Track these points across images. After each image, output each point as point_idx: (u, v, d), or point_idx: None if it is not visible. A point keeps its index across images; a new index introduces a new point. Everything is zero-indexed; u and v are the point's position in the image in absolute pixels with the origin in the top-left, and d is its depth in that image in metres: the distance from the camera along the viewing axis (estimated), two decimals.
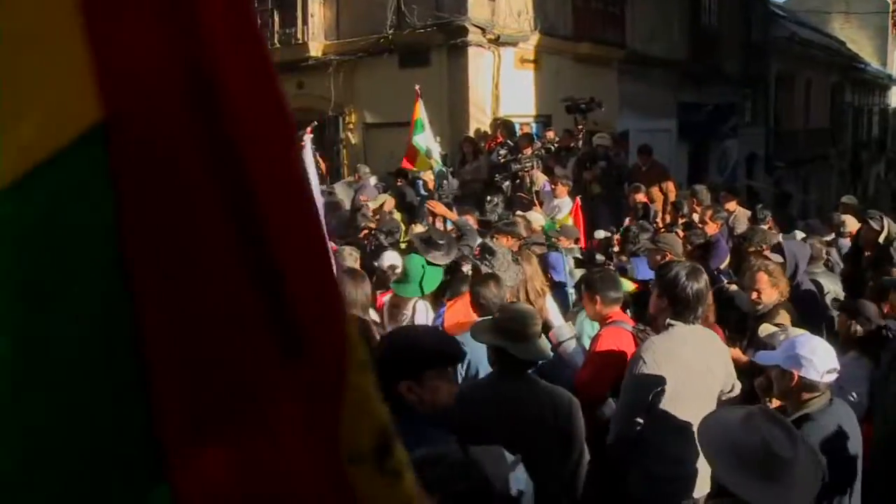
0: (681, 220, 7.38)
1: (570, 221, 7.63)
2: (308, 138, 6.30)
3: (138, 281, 0.73)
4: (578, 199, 8.25)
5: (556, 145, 11.15)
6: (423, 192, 10.34)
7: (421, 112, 10.43)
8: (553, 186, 9.01)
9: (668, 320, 3.57)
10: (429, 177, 10.26)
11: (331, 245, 7.17)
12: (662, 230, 6.84)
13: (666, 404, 3.38)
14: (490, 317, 3.66)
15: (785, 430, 2.60)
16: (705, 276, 3.70)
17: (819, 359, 3.19)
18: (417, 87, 10.67)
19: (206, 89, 0.69)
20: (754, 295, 4.67)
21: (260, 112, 0.76)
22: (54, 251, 0.70)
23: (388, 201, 9.70)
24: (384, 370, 2.40)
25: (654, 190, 9.82)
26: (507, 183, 10.20)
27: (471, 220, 7.62)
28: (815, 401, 3.21)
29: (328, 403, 0.80)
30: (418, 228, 7.45)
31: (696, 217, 7.80)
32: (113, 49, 0.67)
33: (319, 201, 6.22)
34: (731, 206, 9.23)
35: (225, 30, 0.70)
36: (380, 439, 0.84)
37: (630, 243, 6.09)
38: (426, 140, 10.33)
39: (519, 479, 2.37)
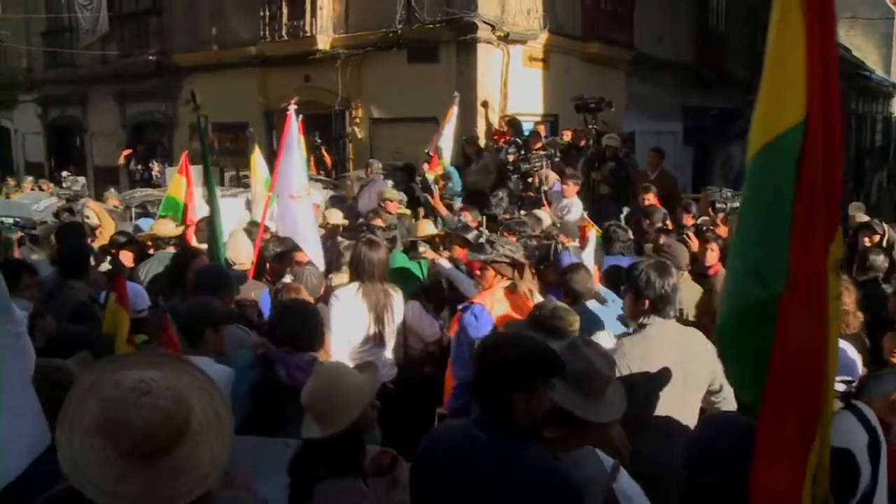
0: (691, 223, 7.31)
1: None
2: (293, 108, 6.21)
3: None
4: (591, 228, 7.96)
5: (565, 145, 11.11)
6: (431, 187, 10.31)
7: (452, 118, 10.66)
8: (563, 186, 8.95)
9: (641, 319, 3.61)
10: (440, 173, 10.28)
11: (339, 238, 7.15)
12: (670, 233, 6.77)
13: (640, 406, 3.35)
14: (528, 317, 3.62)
15: (602, 354, 2.91)
16: (674, 271, 3.79)
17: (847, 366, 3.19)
18: (456, 94, 10.92)
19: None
20: None
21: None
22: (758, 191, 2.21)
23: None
24: (495, 379, 2.39)
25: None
26: (515, 177, 10.15)
27: (468, 217, 7.62)
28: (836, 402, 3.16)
29: None
30: (424, 226, 7.41)
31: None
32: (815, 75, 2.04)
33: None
34: None
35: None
36: None
37: (613, 242, 6.02)
38: (445, 141, 10.45)
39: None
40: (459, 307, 4.44)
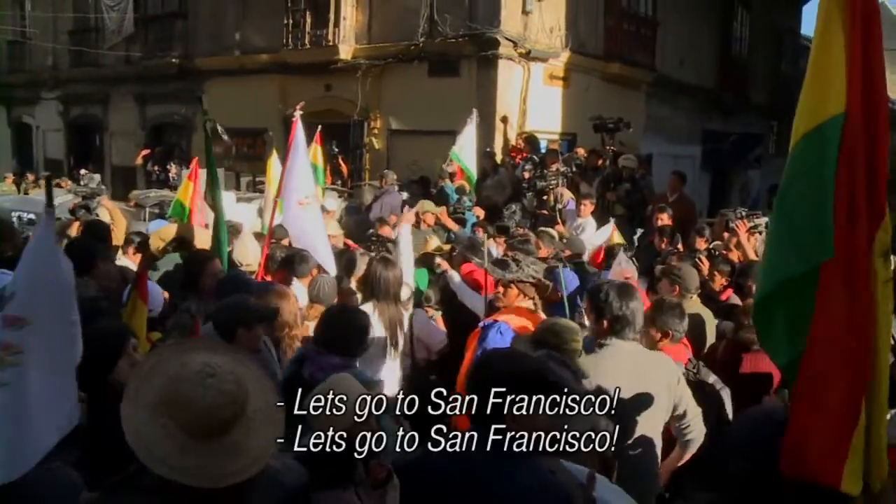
0: (704, 246, 7.23)
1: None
2: (298, 114, 6.18)
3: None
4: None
5: (583, 162, 11.06)
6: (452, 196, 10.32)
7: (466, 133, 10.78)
8: (580, 206, 8.90)
9: (600, 340, 3.59)
10: (455, 167, 10.31)
11: (351, 244, 7.13)
12: (683, 256, 6.69)
13: None
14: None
15: (571, 370, 2.97)
16: (637, 293, 3.76)
17: None
18: (475, 111, 10.95)
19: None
20: None
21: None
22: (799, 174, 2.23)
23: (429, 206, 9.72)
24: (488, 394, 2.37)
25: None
26: (530, 194, 10.12)
27: (481, 233, 7.60)
28: None
29: None
30: (430, 240, 7.38)
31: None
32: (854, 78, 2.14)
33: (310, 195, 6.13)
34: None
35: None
36: None
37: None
38: (467, 155, 10.49)
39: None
40: (481, 324, 4.39)
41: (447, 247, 7.03)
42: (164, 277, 5.83)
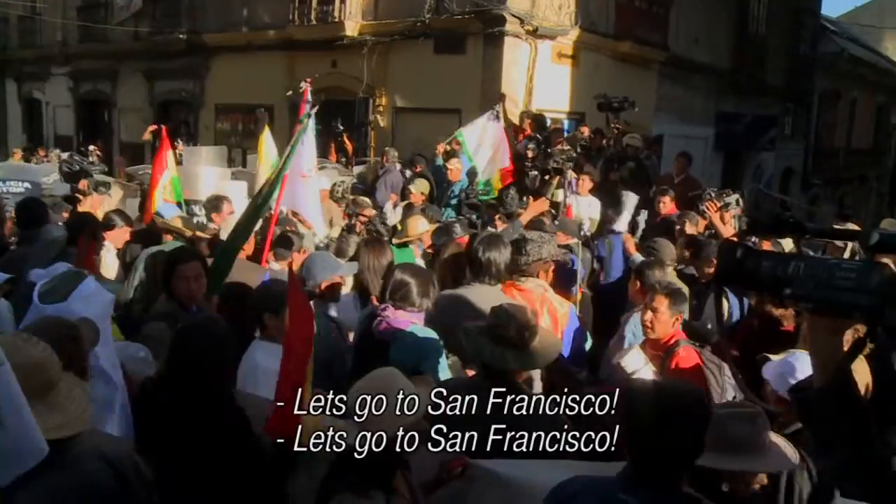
0: (694, 231, 7.04)
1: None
2: (308, 88, 6.16)
3: None
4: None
5: (588, 143, 10.85)
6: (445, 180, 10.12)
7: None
8: (578, 181, 8.70)
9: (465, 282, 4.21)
10: (454, 165, 9.99)
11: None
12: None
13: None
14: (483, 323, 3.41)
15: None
16: (505, 245, 4.32)
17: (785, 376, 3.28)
18: (498, 107, 10.38)
19: None
20: None
21: None
22: None
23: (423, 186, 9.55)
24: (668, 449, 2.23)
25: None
26: (533, 173, 9.92)
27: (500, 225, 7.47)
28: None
29: None
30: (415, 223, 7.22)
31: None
32: None
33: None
34: None
35: None
36: None
37: None
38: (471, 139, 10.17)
39: None
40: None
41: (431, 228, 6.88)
42: None
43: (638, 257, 6.01)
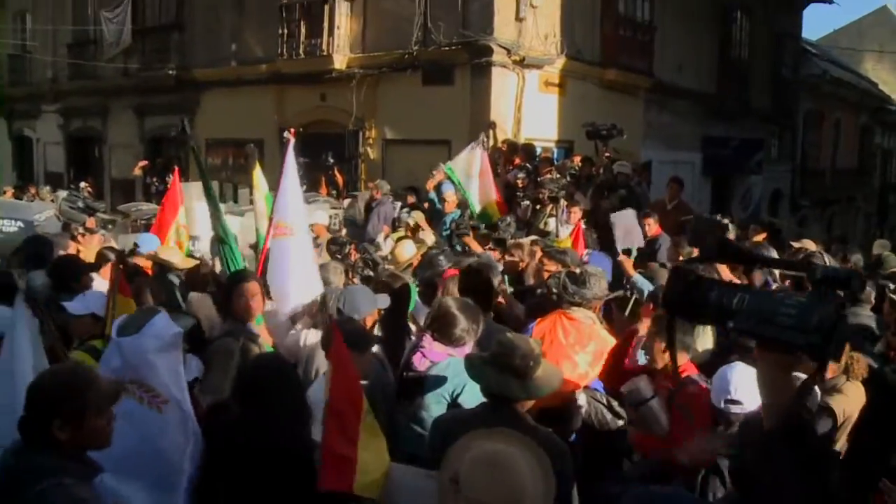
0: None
1: (569, 243, 7.46)
2: (291, 140, 5.97)
3: None
4: (581, 222, 8.07)
5: (577, 171, 10.95)
6: (438, 206, 10.17)
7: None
8: (569, 211, 8.80)
9: None
10: (450, 197, 10.05)
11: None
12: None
13: None
14: (486, 352, 3.44)
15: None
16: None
17: (725, 388, 3.55)
18: (483, 137, 10.77)
19: None
20: None
21: None
22: None
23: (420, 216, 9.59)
24: None
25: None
26: (525, 203, 10.01)
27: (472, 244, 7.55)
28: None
29: None
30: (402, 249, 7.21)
31: None
32: None
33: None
34: (760, 239, 8.95)
35: None
36: None
37: None
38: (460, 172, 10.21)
39: None
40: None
41: (417, 255, 6.92)
42: None
43: (639, 279, 5.96)
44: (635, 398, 4.00)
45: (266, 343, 4.46)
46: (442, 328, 3.90)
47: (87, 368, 2.66)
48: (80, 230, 8.26)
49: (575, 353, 4.36)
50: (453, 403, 3.68)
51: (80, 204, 11.21)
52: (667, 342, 2.85)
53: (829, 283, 1.60)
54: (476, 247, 7.93)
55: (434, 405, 3.72)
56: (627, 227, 7.31)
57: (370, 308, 4.45)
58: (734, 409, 3.50)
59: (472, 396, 3.55)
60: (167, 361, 2.89)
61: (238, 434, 2.99)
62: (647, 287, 5.64)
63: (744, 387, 3.46)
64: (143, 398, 2.85)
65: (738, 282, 5.32)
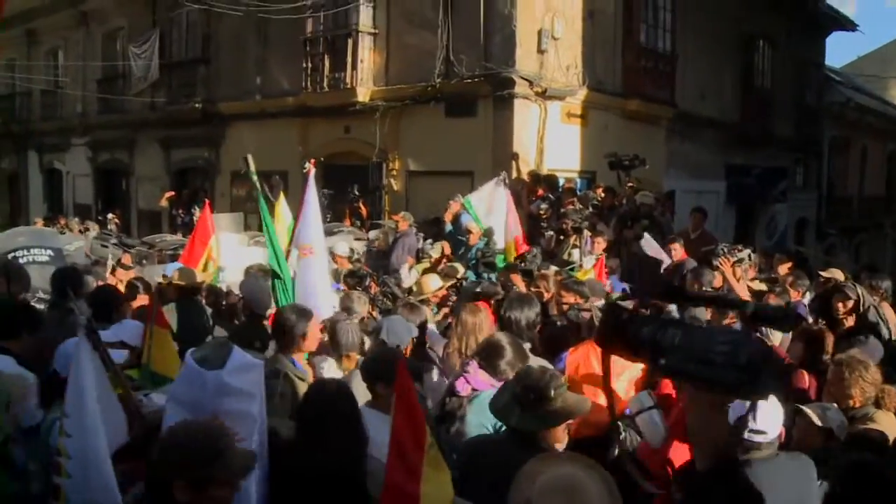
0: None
1: (592, 275, 7.43)
2: (312, 171, 6.25)
3: None
4: (602, 256, 8.07)
5: (599, 203, 10.95)
6: (461, 237, 10.20)
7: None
8: (593, 242, 8.79)
9: None
10: (474, 228, 10.08)
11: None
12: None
13: None
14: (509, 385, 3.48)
15: None
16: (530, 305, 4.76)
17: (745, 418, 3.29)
18: (504, 174, 10.71)
19: None
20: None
21: None
22: None
23: (445, 246, 9.69)
24: None
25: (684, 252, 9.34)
26: (549, 233, 10.02)
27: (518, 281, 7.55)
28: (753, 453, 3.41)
29: None
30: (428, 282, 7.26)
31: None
32: None
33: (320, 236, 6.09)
34: (785, 269, 8.89)
35: None
36: None
37: None
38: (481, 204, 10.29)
39: None
40: None
41: (443, 289, 6.94)
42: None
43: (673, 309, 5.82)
44: (636, 407, 4.01)
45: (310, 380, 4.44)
46: (489, 358, 4.00)
47: (222, 431, 2.49)
48: (113, 264, 8.41)
49: (612, 380, 4.37)
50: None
51: (114, 240, 11.44)
52: (602, 379, 2.83)
53: (760, 320, 1.60)
54: (520, 283, 7.65)
55: (475, 432, 3.78)
56: (654, 252, 7.29)
57: (409, 337, 4.58)
58: (757, 438, 3.45)
59: None
60: (251, 391, 2.87)
61: (294, 459, 2.99)
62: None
63: (764, 415, 3.43)
64: None
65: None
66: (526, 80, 12.56)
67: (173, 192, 17.69)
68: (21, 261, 7.80)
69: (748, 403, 3.45)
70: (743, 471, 1.82)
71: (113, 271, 7.84)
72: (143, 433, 3.01)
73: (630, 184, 10.71)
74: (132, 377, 3.89)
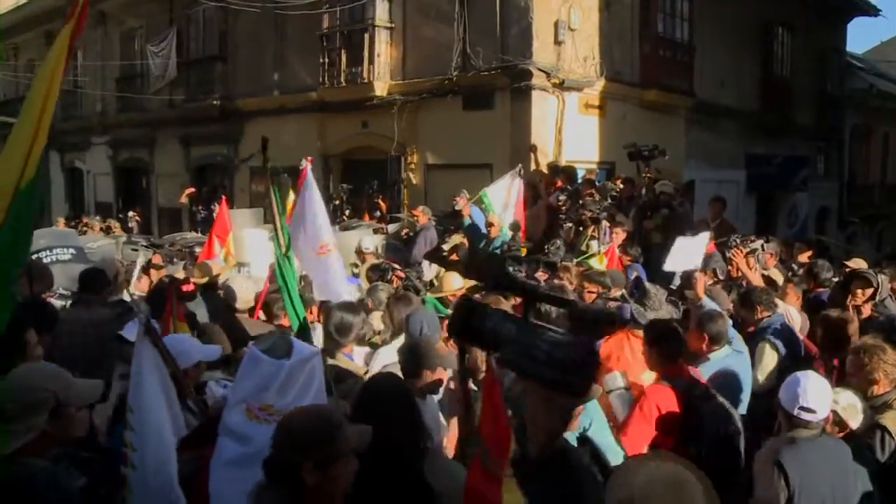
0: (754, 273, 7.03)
1: (604, 262, 7.44)
2: (309, 165, 6.21)
3: None
4: (613, 244, 8.08)
5: (618, 194, 10.91)
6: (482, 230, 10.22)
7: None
8: (612, 232, 8.76)
9: None
10: (495, 221, 10.11)
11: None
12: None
13: None
14: None
15: None
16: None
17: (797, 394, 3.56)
18: (520, 166, 10.89)
19: None
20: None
21: None
22: None
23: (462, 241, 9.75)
24: None
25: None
26: (568, 225, 10.00)
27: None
28: (801, 431, 3.54)
29: None
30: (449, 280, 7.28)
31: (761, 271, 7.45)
32: None
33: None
34: (804, 258, 8.84)
35: None
36: None
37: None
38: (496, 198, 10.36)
39: None
40: None
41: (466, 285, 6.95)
42: None
43: (707, 302, 5.69)
44: (609, 385, 4.19)
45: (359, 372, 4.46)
46: None
47: (333, 413, 2.62)
48: (145, 265, 8.52)
49: (643, 370, 4.52)
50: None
51: (144, 243, 11.63)
52: (459, 370, 2.83)
53: (577, 321, 1.72)
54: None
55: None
56: (690, 250, 7.15)
57: (438, 334, 4.60)
58: (806, 416, 3.52)
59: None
60: (311, 378, 2.97)
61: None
62: (713, 307, 5.51)
63: (815, 394, 3.54)
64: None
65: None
66: (543, 71, 12.53)
67: (193, 189, 17.80)
68: (45, 260, 7.87)
69: (801, 381, 3.51)
70: (577, 459, 1.89)
71: (147, 272, 7.93)
72: (206, 422, 3.14)
73: (649, 174, 10.67)
74: None
